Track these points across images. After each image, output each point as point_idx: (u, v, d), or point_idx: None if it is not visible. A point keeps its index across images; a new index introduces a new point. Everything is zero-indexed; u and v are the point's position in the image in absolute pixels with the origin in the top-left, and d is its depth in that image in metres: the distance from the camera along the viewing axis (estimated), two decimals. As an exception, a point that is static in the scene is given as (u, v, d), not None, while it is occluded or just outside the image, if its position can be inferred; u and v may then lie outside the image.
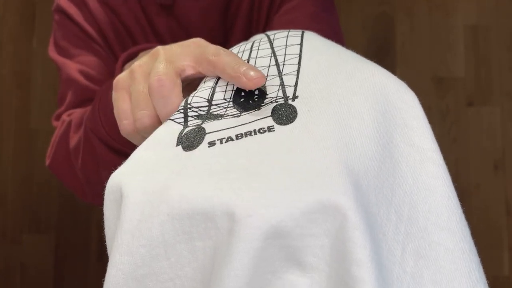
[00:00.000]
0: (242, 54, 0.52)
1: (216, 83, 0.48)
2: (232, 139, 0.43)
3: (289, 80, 0.47)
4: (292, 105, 0.45)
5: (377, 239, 0.40)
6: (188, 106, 0.47)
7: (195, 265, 0.40)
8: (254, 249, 0.37)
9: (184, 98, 0.47)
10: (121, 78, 0.46)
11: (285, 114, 0.44)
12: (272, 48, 0.52)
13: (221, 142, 0.43)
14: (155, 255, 0.40)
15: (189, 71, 0.46)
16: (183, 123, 0.46)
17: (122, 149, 0.62)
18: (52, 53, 0.80)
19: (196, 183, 0.40)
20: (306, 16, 0.75)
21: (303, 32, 0.54)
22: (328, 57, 0.50)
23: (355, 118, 0.43)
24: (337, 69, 0.48)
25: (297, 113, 0.44)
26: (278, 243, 0.38)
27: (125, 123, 0.46)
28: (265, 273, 0.39)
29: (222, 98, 0.47)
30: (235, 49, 0.54)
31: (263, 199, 0.38)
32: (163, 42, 0.78)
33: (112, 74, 0.75)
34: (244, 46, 0.54)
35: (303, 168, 0.39)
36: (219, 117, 0.46)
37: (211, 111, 0.47)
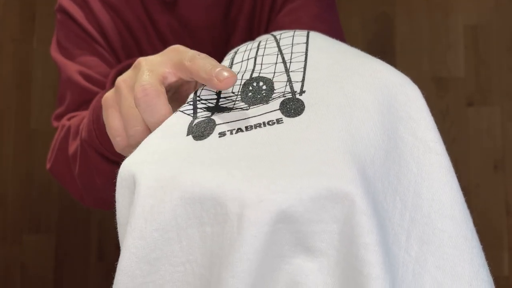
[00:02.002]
0: (249, 52, 0.54)
1: None
2: (242, 130, 0.44)
3: (296, 76, 0.49)
4: (300, 99, 0.46)
5: (383, 225, 0.41)
6: (197, 98, 0.48)
7: (204, 251, 0.41)
8: (265, 233, 0.38)
9: (174, 107, 0.48)
10: (108, 96, 0.47)
11: (293, 107, 0.46)
12: (278, 46, 0.53)
13: (231, 133, 0.44)
14: (168, 239, 0.41)
15: (171, 78, 0.47)
16: (192, 115, 0.47)
17: (116, 160, 0.62)
18: (54, 52, 0.80)
19: (208, 170, 0.41)
20: (309, 17, 0.75)
21: (308, 32, 0.55)
22: (333, 54, 0.51)
23: (360, 110, 0.44)
24: (342, 65, 0.49)
25: (304, 106, 0.45)
26: (288, 228, 0.39)
27: (118, 140, 0.47)
28: (274, 257, 0.40)
29: (231, 91, 0.49)
30: (242, 47, 0.55)
31: (274, 185, 0.39)
32: (165, 40, 0.78)
33: None
34: (251, 44, 0.55)
35: (311, 157, 0.41)
36: (228, 110, 0.47)
37: (219, 103, 0.48)
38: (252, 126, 0.45)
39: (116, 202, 0.45)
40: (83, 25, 0.76)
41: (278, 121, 0.45)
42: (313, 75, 0.49)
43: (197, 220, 0.41)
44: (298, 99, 0.47)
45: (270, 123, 0.45)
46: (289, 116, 0.45)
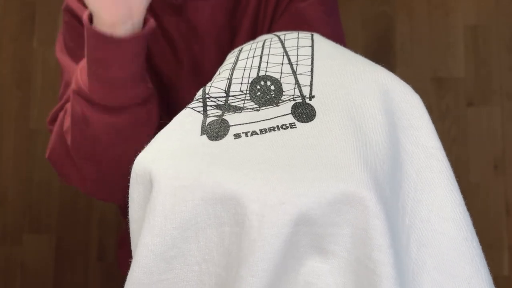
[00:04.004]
0: (255, 51, 0.55)
1: (232, 74, 0.51)
2: (256, 133, 0.46)
3: (304, 80, 0.50)
4: (310, 104, 0.48)
5: (392, 226, 0.43)
6: (207, 96, 0.49)
7: (221, 250, 0.43)
8: (285, 235, 0.40)
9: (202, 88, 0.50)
10: None
11: (304, 112, 0.47)
12: (284, 47, 0.54)
13: (247, 135, 0.46)
14: (186, 238, 0.42)
15: None
16: (202, 112, 0.48)
17: (102, 103, 0.65)
18: (59, 53, 0.80)
19: (228, 171, 0.43)
20: (313, 19, 0.76)
21: (312, 35, 0.57)
22: (338, 60, 0.53)
23: (369, 119, 0.46)
24: (347, 71, 0.51)
25: (315, 112, 0.47)
26: (305, 231, 0.41)
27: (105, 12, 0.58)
28: (290, 258, 0.42)
29: (239, 90, 0.50)
30: (246, 46, 0.57)
31: (294, 189, 0.41)
32: (173, 43, 0.79)
33: None
34: (255, 44, 0.57)
35: (327, 163, 0.42)
36: (238, 109, 0.48)
37: (229, 101, 0.49)
38: (266, 129, 0.46)
39: (130, 198, 0.46)
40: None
41: (292, 125, 0.46)
42: (321, 79, 0.50)
43: (217, 220, 0.42)
44: (308, 104, 0.48)
45: (283, 127, 0.46)
46: (301, 121, 0.46)
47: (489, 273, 0.45)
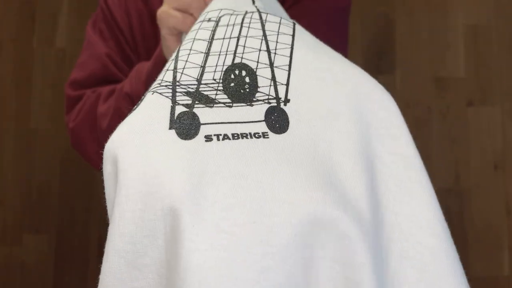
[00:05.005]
0: (232, 29, 0.53)
1: (206, 61, 0.49)
2: (228, 138, 0.45)
3: (280, 76, 0.49)
4: (284, 111, 0.47)
5: (372, 242, 0.42)
6: (177, 83, 0.48)
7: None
8: (256, 254, 0.39)
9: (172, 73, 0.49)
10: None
11: (278, 121, 0.46)
12: (263, 30, 0.52)
13: (218, 139, 0.44)
14: (158, 246, 0.41)
15: None
16: (171, 97, 0.46)
17: None
18: (89, 28, 0.86)
19: (196, 182, 0.41)
20: (309, 29, 0.76)
21: (294, 24, 0.55)
22: (319, 57, 0.51)
23: (341, 133, 0.46)
24: (326, 72, 0.50)
25: (289, 122, 0.46)
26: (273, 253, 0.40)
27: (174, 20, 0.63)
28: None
29: (212, 78, 0.48)
30: (224, 19, 0.54)
31: (264, 209, 0.40)
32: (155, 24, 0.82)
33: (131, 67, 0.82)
34: (234, 18, 0.54)
35: (298, 182, 0.42)
36: (210, 102, 0.47)
37: (200, 89, 0.47)
38: (238, 135, 0.45)
39: (104, 179, 0.45)
40: (113, 13, 0.84)
41: (264, 135, 0.45)
42: (298, 78, 0.49)
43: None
44: (282, 110, 0.47)
45: (256, 135, 0.45)
46: (274, 132, 0.45)
47: (467, 283, 0.45)
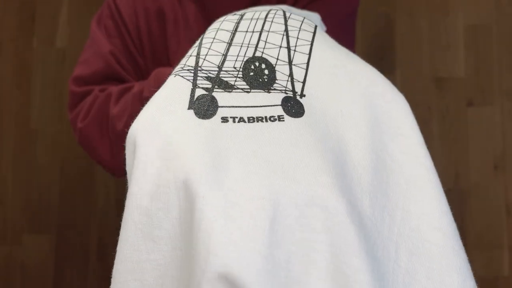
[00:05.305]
0: (256, 23, 0.54)
1: (228, 51, 0.51)
2: (244, 121, 0.46)
3: (298, 74, 0.50)
4: (300, 102, 0.48)
5: (371, 237, 0.44)
6: (199, 68, 0.50)
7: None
8: (263, 229, 0.40)
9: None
10: None
11: (294, 107, 0.48)
12: (286, 25, 0.54)
13: (234, 121, 0.46)
14: (172, 219, 0.43)
15: None
16: (192, 81, 0.48)
17: None
18: (94, 24, 0.86)
19: (210, 157, 0.43)
20: (331, 15, 0.78)
21: (316, 26, 0.56)
22: (336, 55, 0.53)
23: (353, 128, 0.47)
24: (342, 70, 0.51)
25: (304, 111, 0.47)
26: (285, 232, 0.41)
27: None
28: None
29: (232, 66, 0.50)
30: (249, 13, 0.56)
31: (272, 186, 0.41)
32: (190, 30, 0.83)
33: (135, 64, 0.83)
34: (259, 13, 0.55)
35: (309, 165, 0.43)
36: (229, 87, 0.48)
37: (220, 75, 0.49)
38: (254, 118, 0.46)
39: (126, 158, 0.48)
40: (121, 13, 0.84)
41: (280, 118, 0.46)
42: (315, 75, 0.50)
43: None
44: (298, 101, 0.48)
45: (272, 118, 0.46)
46: (290, 116, 0.47)
47: (475, 283, 0.46)
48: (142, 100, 0.74)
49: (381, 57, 1.59)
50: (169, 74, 0.73)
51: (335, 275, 0.40)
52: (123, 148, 0.78)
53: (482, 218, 1.53)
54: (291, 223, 0.40)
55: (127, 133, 0.76)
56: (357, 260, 0.39)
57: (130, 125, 0.76)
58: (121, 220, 0.47)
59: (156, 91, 0.75)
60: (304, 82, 0.49)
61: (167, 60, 0.83)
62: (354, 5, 0.84)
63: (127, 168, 0.47)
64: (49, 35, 1.67)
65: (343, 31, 0.80)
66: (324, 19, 0.78)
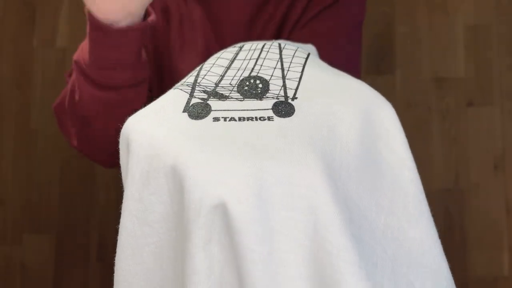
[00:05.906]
0: (253, 53, 0.59)
1: (225, 73, 0.56)
2: (235, 120, 0.49)
3: (291, 84, 0.54)
4: (291, 104, 0.51)
5: (356, 218, 0.47)
6: (197, 84, 0.54)
7: None
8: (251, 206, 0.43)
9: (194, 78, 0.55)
10: None
11: (284, 109, 0.51)
12: (280, 54, 0.58)
13: (225, 120, 0.49)
14: (163, 202, 0.45)
15: None
16: (189, 92, 0.52)
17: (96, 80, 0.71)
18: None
19: (198, 145, 0.46)
20: (331, 42, 0.78)
21: (309, 53, 0.61)
22: (328, 73, 0.57)
23: (344, 123, 0.50)
24: (333, 82, 0.55)
25: (294, 110, 0.50)
26: (270, 209, 0.43)
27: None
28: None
29: (228, 83, 0.54)
30: (247, 45, 0.61)
31: (257, 165, 0.44)
32: (194, 30, 0.83)
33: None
34: (256, 45, 0.61)
35: (290, 149, 0.46)
36: (223, 97, 0.52)
37: (216, 90, 0.53)
38: (244, 118, 0.50)
39: (120, 155, 0.51)
40: None
41: (269, 118, 0.50)
42: (307, 85, 0.54)
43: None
44: (289, 103, 0.51)
45: (261, 118, 0.50)
46: (279, 116, 0.50)
47: (451, 277, 0.49)
48: (75, 63, 0.74)
49: (381, 57, 1.59)
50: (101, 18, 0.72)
51: (318, 254, 0.42)
52: (77, 123, 0.77)
53: (482, 218, 1.53)
54: (275, 200, 0.42)
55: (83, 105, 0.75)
56: (342, 239, 0.41)
57: (73, 97, 0.74)
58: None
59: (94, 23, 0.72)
60: (296, 89, 0.53)
61: (169, 58, 0.82)
62: (361, 17, 0.84)
63: (122, 167, 0.50)
64: (49, 35, 1.67)
65: (350, 42, 0.81)
66: (332, 29, 0.79)
